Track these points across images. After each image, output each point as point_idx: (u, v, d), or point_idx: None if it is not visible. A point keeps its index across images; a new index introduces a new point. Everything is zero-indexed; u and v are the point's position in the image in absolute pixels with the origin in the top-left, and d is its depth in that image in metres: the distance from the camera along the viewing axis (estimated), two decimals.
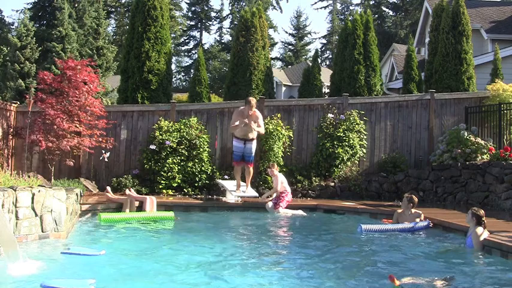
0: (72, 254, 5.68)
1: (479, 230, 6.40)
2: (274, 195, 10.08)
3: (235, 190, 10.38)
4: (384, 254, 6.36)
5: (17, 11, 54.51)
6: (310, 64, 16.74)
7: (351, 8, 48.12)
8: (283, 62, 46.19)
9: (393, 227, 7.95)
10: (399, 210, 8.32)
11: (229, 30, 46.20)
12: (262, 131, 10.30)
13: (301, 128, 12.41)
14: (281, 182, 10.05)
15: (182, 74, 47.74)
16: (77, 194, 7.97)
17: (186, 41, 47.19)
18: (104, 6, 31.47)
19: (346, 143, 11.92)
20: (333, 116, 12.23)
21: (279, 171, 10.67)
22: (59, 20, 23.39)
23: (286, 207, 9.85)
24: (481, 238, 6.33)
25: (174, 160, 11.36)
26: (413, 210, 8.14)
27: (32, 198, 6.12)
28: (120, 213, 8.91)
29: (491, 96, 12.51)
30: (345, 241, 7.37)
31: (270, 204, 9.87)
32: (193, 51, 46.32)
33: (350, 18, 16.45)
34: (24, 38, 22.21)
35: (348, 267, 5.59)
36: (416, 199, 8.25)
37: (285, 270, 5.47)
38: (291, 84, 30.05)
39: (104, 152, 11.11)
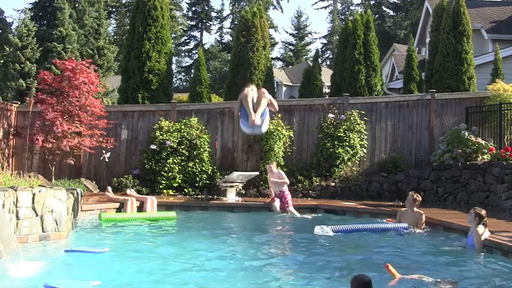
0: (76, 251, 5.69)
1: (481, 229, 6.40)
2: (273, 193, 10.06)
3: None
4: (384, 255, 6.35)
5: (17, 11, 54.64)
6: (311, 64, 16.74)
7: (351, 8, 48.03)
8: (283, 62, 46.15)
9: (359, 227, 7.94)
10: (403, 209, 8.33)
11: (229, 30, 46.18)
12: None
13: (302, 128, 12.41)
14: (279, 177, 10.03)
15: (183, 74, 47.68)
16: (77, 194, 7.97)
17: (187, 41, 47.12)
18: (104, 7, 31.43)
19: (347, 143, 11.91)
20: (333, 116, 12.23)
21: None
22: (59, 20, 23.38)
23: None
24: (482, 238, 6.33)
25: (175, 160, 11.36)
26: (415, 209, 8.15)
27: (33, 198, 6.12)
28: (121, 213, 8.93)
29: (492, 96, 12.49)
30: (346, 241, 7.36)
31: (277, 205, 9.78)
32: (194, 51, 46.22)
33: (350, 18, 16.44)
34: (25, 38, 22.20)
35: (348, 267, 5.59)
36: (420, 198, 8.26)
37: (284, 270, 5.47)
38: (291, 84, 30.04)
39: (104, 152, 11.12)
